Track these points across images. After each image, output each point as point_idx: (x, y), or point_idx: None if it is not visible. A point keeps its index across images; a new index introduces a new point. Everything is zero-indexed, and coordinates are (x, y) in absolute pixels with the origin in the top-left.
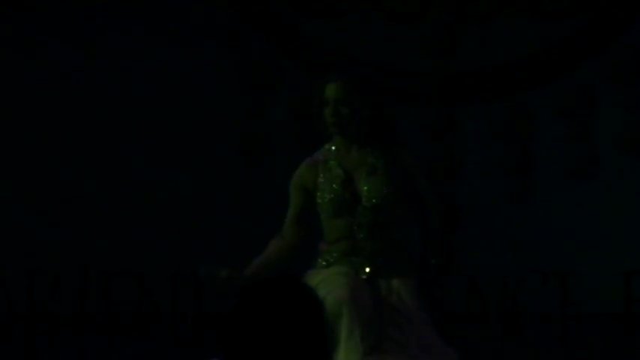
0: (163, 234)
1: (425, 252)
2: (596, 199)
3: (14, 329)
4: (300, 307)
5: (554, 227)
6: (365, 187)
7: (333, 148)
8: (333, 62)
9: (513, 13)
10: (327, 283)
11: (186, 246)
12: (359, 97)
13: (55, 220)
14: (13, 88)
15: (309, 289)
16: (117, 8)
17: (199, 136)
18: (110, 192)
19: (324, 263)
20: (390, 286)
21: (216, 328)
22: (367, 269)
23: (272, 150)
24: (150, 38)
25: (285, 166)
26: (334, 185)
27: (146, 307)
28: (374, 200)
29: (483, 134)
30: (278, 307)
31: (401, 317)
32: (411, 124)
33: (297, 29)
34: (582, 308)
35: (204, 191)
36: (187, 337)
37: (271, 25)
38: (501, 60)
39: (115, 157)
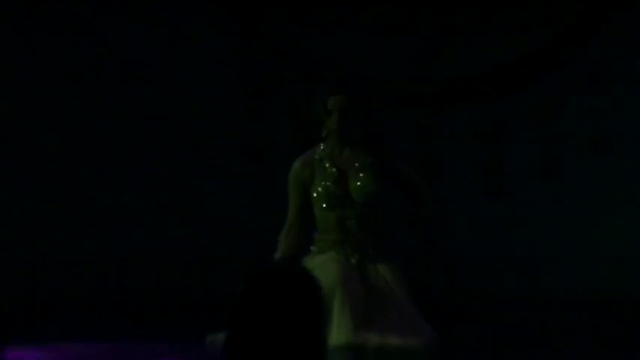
0: (177, 224)
1: (423, 240)
2: (560, 195)
3: (37, 313)
4: (303, 289)
5: (523, 219)
6: (355, 184)
7: (327, 148)
8: (327, 72)
9: (489, 30)
10: (322, 267)
11: (196, 235)
12: (359, 107)
13: (88, 217)
14: (12, 86)
15: (310, 274)
16: (132, 18)
17: (206, 136)
18: (132, 189)
19: (315, 249)
20: (376, 271)
21: (228, 307)
22: (356, 256)
23: (271, 149)
24: (162, 50)
25: (283, 163)
26: (328, 182)
27: (162, 290)
28: (363, 195)
29: (462, 137)
30: (284, 290)
31: (386, 298)
32: (398, 128)
33: (295, 42)
34: (547, 291)
35: (211, 186)
36: (200, 317)
37: (271, 38)
38: (479, 71)
39: (136, 162)
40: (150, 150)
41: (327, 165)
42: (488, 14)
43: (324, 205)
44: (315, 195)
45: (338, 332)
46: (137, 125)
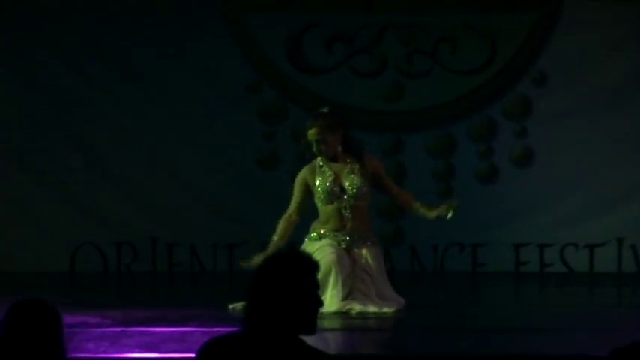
0: (205, 218)
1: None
2: (496, 197)
3: (107, 284)
4: (301, 266)
5: (468, 215)
6: (347, 182)
7: (324, 159)
8: (319, 104)
9: (441, 71)
10: (321, 251)
11: (220, 226)
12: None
13: (139, 207)
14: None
15: (307, 256)
16: (166, 57)
17: (233, 152)
18: (171, 192)
19: (314, 235)
20: (360, 254)
21: (248, 281)
22: (346, 242)
23: (280, 162)
24: (195, 87)
25: (289, 172)
26: (327, 182)
27: (195, 267)
28: (354, 190)
29: (421, 152)
30: (288, 267)
31: (367, 275)
32: (375, 145)
33: (297, 82)
34: (484, 268)
35: (231, 190)
36: (225, 289)
37: (279, 79)
38: (432, 103)
39: (176, 170)
40: (188, 159)
41: (326, 170)
42: (440, 61)
43: (324, 200)
44: (318, 192)
45: (331, 301)
46: (177, 141)
